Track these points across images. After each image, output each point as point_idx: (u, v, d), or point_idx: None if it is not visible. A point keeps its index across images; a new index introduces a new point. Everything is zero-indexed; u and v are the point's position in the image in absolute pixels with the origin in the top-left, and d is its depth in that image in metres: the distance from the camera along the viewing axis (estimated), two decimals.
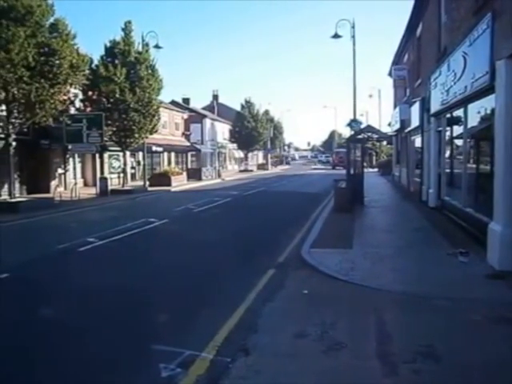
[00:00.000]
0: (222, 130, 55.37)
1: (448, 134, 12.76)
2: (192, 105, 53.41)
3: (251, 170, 52.07)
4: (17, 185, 18.89)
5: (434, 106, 13.17)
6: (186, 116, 43.37)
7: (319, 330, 4.90)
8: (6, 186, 17.64)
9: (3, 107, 15.87)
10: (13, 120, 16.15)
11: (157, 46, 23.79)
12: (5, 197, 17.49)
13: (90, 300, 6.23)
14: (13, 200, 16.12)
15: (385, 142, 39.52)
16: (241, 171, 51.18)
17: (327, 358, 4.33)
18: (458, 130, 11.52)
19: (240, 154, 59.24)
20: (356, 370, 4.10)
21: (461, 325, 5.07)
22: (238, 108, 55.88)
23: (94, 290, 6.66)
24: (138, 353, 4.53)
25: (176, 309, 5.86)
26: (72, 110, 21.50)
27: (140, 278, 7.35)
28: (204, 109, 58.54)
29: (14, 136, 16.46)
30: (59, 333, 5.10)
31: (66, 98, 18.33)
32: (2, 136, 16.72)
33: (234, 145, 56.01)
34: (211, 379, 3.98)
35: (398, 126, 23.09)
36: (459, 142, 11.48)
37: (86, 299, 6.24)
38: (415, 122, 17.15)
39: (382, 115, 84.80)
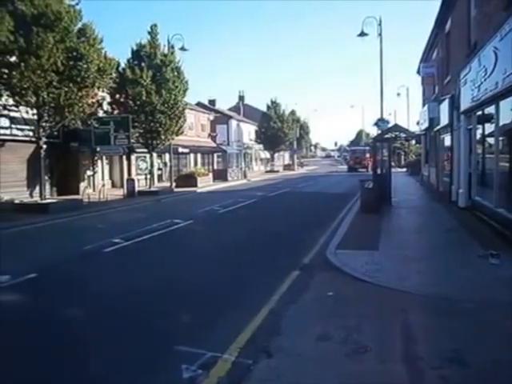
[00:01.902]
0: (248, 130, 55.45)
1: (479, 132, 12.38)
2: (218, 106, 53.67)
3: (277, 171, 51.90)
4: (47, 186, 19.36)
5: (464, 104, 12.81)
6: (211, 117, 43.61)
7: (343, 333, 4.80)
8: (37, 188, 18.12)
9: (34, 111, 16.30)
10: (43, 123, 16.58)
11: (182, 49, 24.01)
12: (36, 198, 17.97)
13: (112, 301, 6.29)
14: (43, 201, 16.54)
15: (413, 141, 38.76)
16: (267, 172, 51.15)
17: (351, 362, 4.23)
18: (489, 127, 11.17)
19: (266, 154, 59.21)
20: (380, 375, 3.98)
21: (490, 329, 4.87)
22: (264, 109, 55.82)
23: (116, 290, 6.74)
24: (160, 353, 4.53)
25: (199, 310, 5.85)
26: (100, 113, 21.95)
27: (163, 279, 7.39)
28: (230, 110, 58.77)
29: (44, 139, 16.92)
30: (79, 333, 5.15)
31: (93, 101, 18.68)
32: (33, 139, 17.21)
33: (260, 145, 56.00)
34: (232, 381, 3.95)
35: (426, 124, 22.57)
36: (491, 140, 11.12)
37: (108, 300, 6.30)
38: (444, 120, 16.72)
39: (411, 114, 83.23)
